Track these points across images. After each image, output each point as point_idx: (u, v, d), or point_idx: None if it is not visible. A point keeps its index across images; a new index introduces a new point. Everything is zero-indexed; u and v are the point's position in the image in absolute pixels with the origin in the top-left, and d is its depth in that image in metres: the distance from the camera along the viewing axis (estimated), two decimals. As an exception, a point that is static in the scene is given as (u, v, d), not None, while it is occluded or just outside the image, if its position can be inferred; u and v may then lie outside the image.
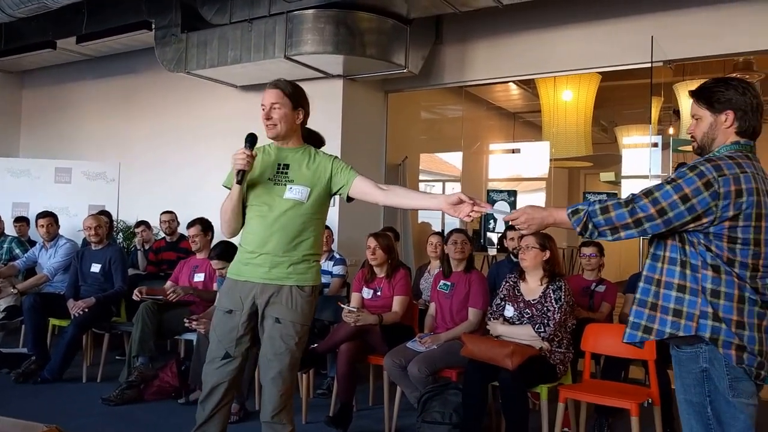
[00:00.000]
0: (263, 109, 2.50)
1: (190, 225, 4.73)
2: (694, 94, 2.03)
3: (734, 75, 6.62)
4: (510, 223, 2.27)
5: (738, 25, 4.70)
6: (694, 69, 6.75)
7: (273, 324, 2.44)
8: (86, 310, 4.48)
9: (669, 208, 1.84)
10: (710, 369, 1.88)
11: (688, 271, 1.90)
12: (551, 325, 3.28)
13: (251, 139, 2.45)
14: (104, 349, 4.65)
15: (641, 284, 2.00)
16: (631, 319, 2.02)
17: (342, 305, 3.80)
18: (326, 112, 5.68)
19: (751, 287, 1.86)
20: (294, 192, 2.46)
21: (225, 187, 2.57)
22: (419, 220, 7.53)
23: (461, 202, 2.24)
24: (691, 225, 1.86)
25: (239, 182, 2.42)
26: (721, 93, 1.96)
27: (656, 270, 1.97)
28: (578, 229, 1.94)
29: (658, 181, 4.95)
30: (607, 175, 9.29)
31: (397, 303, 3.86)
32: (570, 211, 1.96)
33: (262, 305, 2.45)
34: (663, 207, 1.84)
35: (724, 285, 1.86)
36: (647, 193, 1.88)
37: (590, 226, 1.92)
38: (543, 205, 8.36)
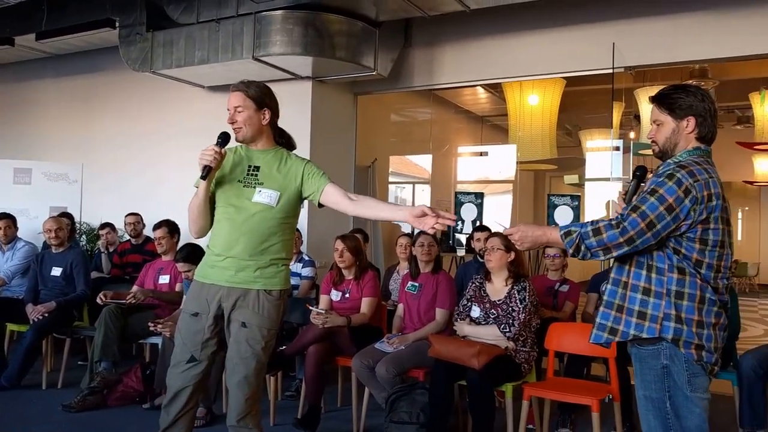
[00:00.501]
0: (229, 113, 2.50)
1: (156, 227, 4.67)
2: (656, 100, 2.09)
3: (691, 81, 6.86)
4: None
5: (695, 34, 4.88)
6: (654, 75, 6.95)
7: (239, 328, 2.41)
8: (46, 314, 4.37)
9: (657, 221, 1.89)
10: (670, 365, 1.94)
11: (653, 275, 1.96)
12: (516, 325, 3.35)
13: (223, 138, 2.44)
14: (65, 355, 4.54)
15: (609, 286, 2.05)
16: (597, 320, 2.06)
17: (310, 307, 3.81)
18: (295, 113, 5.66)
19: (712, 288, 1.95)
20: (263, 195, 2.43)
21: (196, 188, 2.53)
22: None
23: (425, 214, 2.24)
24: (674, 233, 1.93)
25: (203, 178, 2.39)
26: (682, 99, 2.03)
27: (623, 272, 2.03)
28: (571, 251, 1.98)
29: (618, 185, 5.11)
30: (571, 178, 9.50)
31: (366, 304, 3.88)
32: (563, 232, 1.99)
33: (228, 309, 2.42)
34: (651, 220, 1.89)
35: (687, 287, 1.93)
36: (634, 208, 1.92)
37: (583, 248, 1.95)
38: (510, 207, 8.53)
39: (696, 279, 1.93)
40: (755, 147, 8.34)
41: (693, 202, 1.89)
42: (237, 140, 2.52)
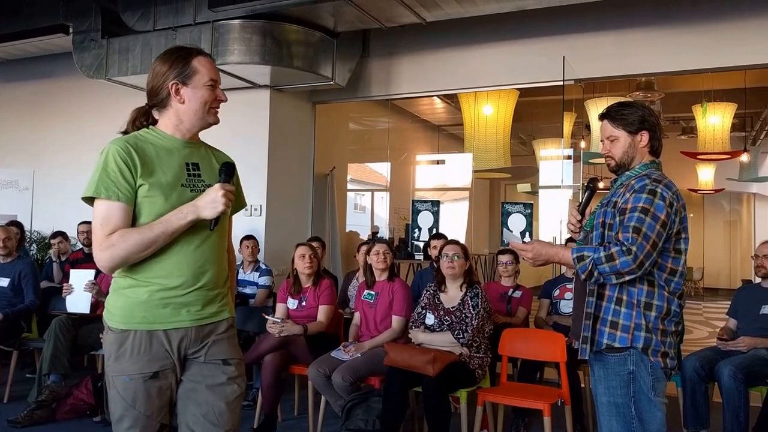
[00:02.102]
0: (212, 86, 1.86)
1: None
2: (608, 117, 2.17)
3: (637, 93, 7.13)
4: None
5: (641, 49, 5.10)
6: (602, 87, 7.21)
7: (218, 368, 1.85)
8: (-7, 326, 4.26)
9: (658, 239, 1.98)
10: (636, 371, 2.02)
11: (626, 286, 2.04)
12: (469, 332, 3.42)
13: (229, 170, 1.85)
14: (12, 367, 4.42)
15: (589, 298, 2.10)
16: (583, 334, 2.10)
17: (266, 317, 3.81)
18: (253, 122, 5.64)
19: (677, 299, 2.06)
20: None
21: (86, 200, 1.82)
22: (347, 229, 7.61)
23: None
24: None
25: (213, 227, 1.80)
26: (633, 115, 2.14)
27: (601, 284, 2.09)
28: (583, 276, 2.02)
29: (569, 192, 5.26)
30: (524, 187, 9.77)
31: (322, 312, 3.91)
32: (575, 256, 2.01)
33: (195, 353, 1.83)
34: (654, 240, 1.97)
35: (656, 299, 2.03)
36: (636, 230, 1.96)
37: (596, 273, 1.98)
38: (466, 214, 8.68)
39: (664, 292, 2.03)
40: (698, 156, 8.70)
41: (675, 214, 2.01)
42: (212, 124, 1.92)
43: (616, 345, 2.02)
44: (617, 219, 2.04)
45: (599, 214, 2.13)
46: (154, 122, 1.90)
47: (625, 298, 2.03)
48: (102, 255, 1.75)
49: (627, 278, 1.98)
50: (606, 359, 2.07)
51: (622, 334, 2.02)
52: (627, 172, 2.14)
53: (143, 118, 1.91)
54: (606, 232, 2.08)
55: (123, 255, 1.73)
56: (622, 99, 6.75)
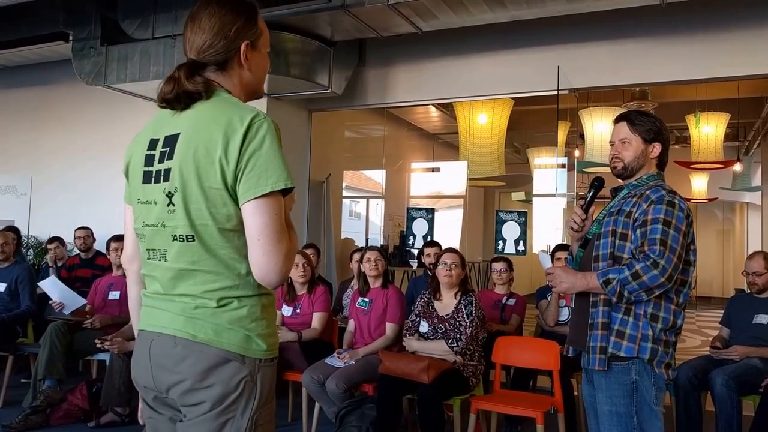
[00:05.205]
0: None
1: (118, 238, 4.62)
2: (626, 119, 2.21)
3: (632, 103, 7.19)
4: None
5: (635, 59, 5.15)
6: (597, 97, 7.26)
7: None
8: (-12, 331, 4.27)
9: (682, 250, 2.01)
10: (639, 380, 2.04)
11: None
12: (463, 339, 3.45)
13: None
14: (7, 372, 4.42)
15: (601, 308, 2.10)
16: (593, 344, 2.09)
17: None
18: (249, 129, 5.66)
19: (683, 311, 2.08)
20: None
21: (283, 190, 1.36)
22: (342, 236, 7.63)
23: None
24: None
25: None
26: (652, 124, 2.18)
27: None
28: (615, 299, 2.03)
29: (563, 201, 5.30)
30: (518, 195, 9.82)
31: (317, 319, 3.93)
32: (602, 281, 2.01)
33: None
34: (679, 252, 2.00)
35: (662, 311, 2.05)
36: (662, 242, 1.97)
37: (625, 293, 1.98)
38: (461, 221, 8.72)
39: (671, 305, 2.05)
40: (692, 166, 8.75)
41: (690, 225, 2.05)
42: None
43: (622, 354, 2.03)
44: (638, 231, 2.04)
45: (608, 222, 2.13)
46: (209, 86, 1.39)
47: (633, 308, 2.05)
48: (288, 265, 1.31)
49: (657, 292, 1.98)
50: (609, 368, 2.08)
51: (628, 343, 2.03)
52: (634, 181, 2.16)
53: (200, 78, 1.39)
54: (617, 241, 2.09)
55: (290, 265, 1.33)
56: (617, 108, 6.84)
